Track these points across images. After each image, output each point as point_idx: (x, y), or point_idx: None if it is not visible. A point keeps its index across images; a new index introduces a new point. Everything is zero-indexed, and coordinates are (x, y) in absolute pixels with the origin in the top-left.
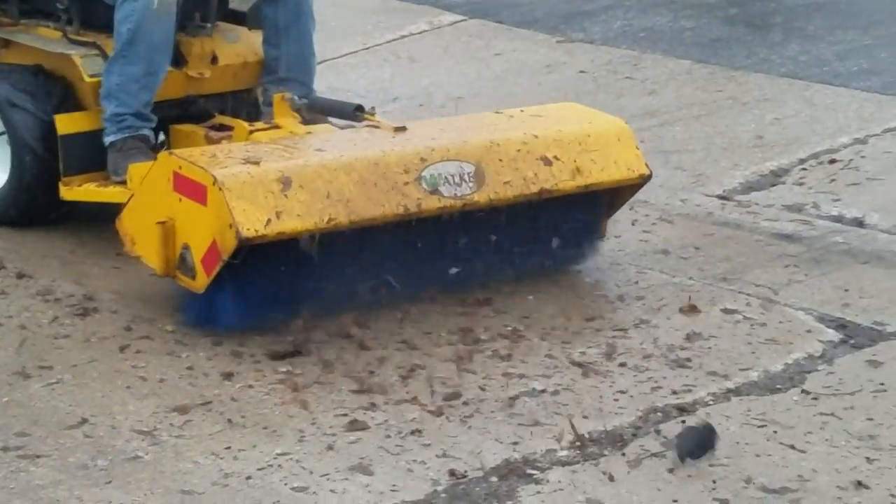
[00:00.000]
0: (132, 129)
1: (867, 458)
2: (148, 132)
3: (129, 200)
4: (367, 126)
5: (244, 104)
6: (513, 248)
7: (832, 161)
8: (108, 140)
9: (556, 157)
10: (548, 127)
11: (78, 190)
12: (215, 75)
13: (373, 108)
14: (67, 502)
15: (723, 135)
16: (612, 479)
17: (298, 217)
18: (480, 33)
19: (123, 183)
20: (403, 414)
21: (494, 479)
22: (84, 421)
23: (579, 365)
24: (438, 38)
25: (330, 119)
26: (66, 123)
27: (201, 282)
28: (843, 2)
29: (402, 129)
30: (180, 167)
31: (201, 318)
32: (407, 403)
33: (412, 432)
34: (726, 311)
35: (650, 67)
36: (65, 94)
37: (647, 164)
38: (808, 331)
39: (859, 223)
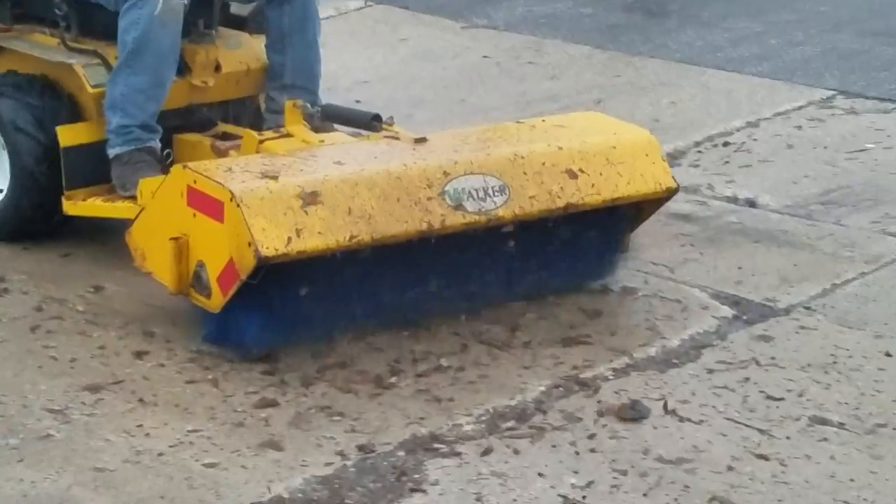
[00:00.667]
0: (139, 141)
1: (760, 430)
2: (155, 144)
3: (139, 214)
4: (386, 137)
5: (246, 111)
6: (534, 264)
7: (726, 144)
8: (112, 152)
9: (581, 171)
10: (572, 138)
11: (83, 205)
12: (219, 83)
13: (391, 117)
14: None
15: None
16: (516, 452)
17: (320, 235)
18: (386, 19)
19: (132, 198)
20: (313, 391)
21: (402, 453)
22: None
23: (485, 343)
24: (345, 24)
25: (336, 127)
26: (69, 135)
27: (217, 301)
28: None
29: (423, 140)
30: (195, 181)
31: (217, 335)
32: (317, 381)
33: (321, 409)
34: (625, 289)
35: (551, 53)
36: (68, 108)
37: (674, 178)
38: (704, 307)
39: (752, 204)
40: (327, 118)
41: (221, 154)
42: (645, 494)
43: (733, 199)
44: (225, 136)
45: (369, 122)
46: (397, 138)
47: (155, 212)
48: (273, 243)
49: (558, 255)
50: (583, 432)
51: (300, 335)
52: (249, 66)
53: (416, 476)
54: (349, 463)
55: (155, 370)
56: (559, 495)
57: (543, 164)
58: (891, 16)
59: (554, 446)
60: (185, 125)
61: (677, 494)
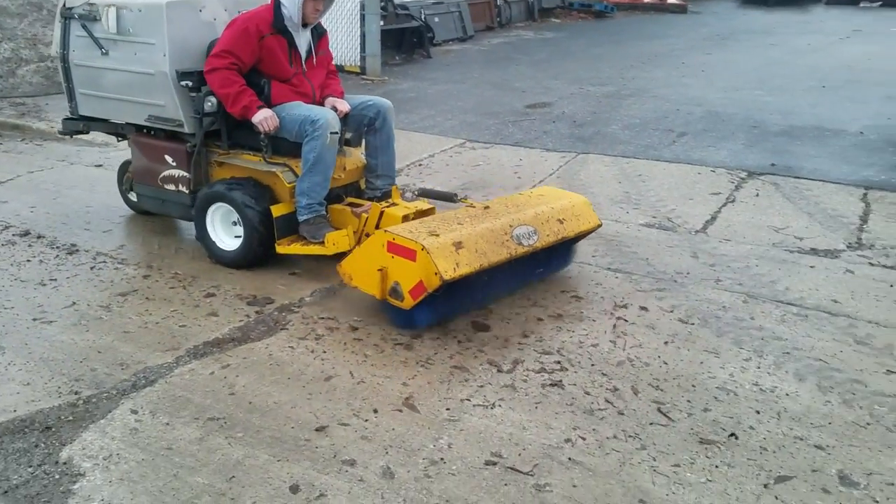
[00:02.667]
0: (317, 211)
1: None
2: (325, 212)
3: (349, 254)
4: (467, 206)
5: (352, 190)
6: (544, 265)
7: (419, 164)
8: (302, 218)
9: (562, 220)
10: (552, 202)
11: (289, 247)
12: (345, 176)
13: (466, 195)
14: None
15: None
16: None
17: (467, 265)
18: None
19: (321, 243)
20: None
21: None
22: None
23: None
24: None
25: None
26: (278, 210)
27: (408, 303)
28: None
29: (487, 207)
30: (393, 238)
31: (403, 321)
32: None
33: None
34: None
35: None
36: (270, 195)
37: (599, 219)
38: None
39: (425, 193)
40: (423, 195)
41: (358, 216)
42: None
43: (413, 189)
44: (352, 205)
45: (453, 198)
46: (473, 206)
47: (361, 254)
48: (448, 272)
49: (553, 259)
50: None
51: (444, 316)
52: (357, 165)
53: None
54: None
55: (369, 343)
56: None
57: (548, 218)
58: (493, 104)
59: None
60: (330, 200)
61: None
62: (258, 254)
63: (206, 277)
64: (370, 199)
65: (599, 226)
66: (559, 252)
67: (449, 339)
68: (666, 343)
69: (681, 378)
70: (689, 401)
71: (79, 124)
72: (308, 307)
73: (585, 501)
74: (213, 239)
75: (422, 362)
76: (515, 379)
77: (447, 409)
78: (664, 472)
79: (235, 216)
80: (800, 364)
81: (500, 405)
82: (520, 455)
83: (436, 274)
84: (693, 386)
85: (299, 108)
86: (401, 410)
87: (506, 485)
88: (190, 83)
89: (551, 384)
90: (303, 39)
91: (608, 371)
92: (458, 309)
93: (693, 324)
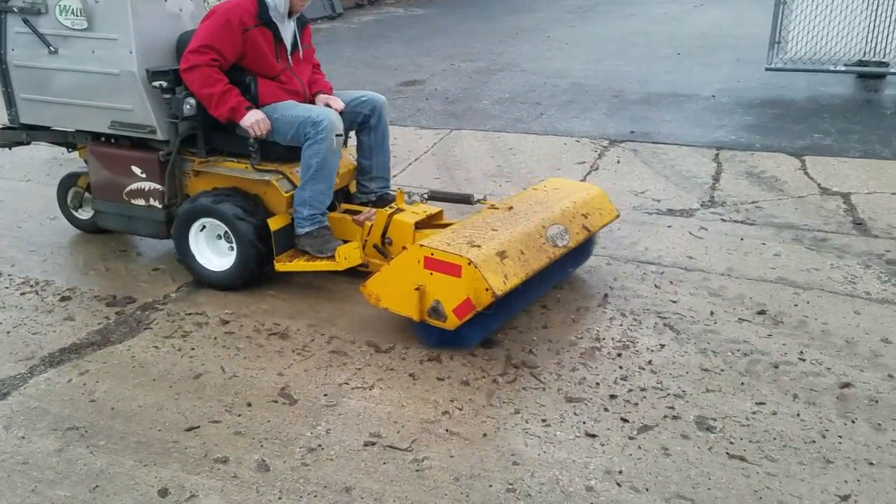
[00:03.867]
0: (321, 222)
1: None
2: (327, 222)
3: (376, 273)
4: (489, 208)
5: (341, 196)
6: (571, 263)
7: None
8: (303, 231)
9: (586, 214)
10: (573, 196)
11: (290, 264)
12: (338, 181)
13: (484, 196)
14: None
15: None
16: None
17: (515, 276)
18: None
19: (330, 258)
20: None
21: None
22: None
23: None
24: None
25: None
26: (275, 223)
27: (452, 323)
28: None
29: (510, 207)
30: (432, 253)
31: (444, 341)
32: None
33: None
34: None
35: None
36: (263, 207)
37: (617, 209)
38: None
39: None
40: (433, 199)
41: (360, 224)
42: None
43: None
44: (348, 212)
45: (469, 200)
46: (497, 208)
47: (392, 272)
48: (499, 286)
49: (579, 254)
50: None
51: (491, 331)
52: (349, 168)
53: None
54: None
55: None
56: None
57: (573, 214)
58: (366, 83)
59: None
60: None
61: None
62: (254, 273)
63: (60, 280)
64: (363, 203)
65: (618, 216)
66: (583, 246)
67: (326, 325)
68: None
69: (551, 342)
70: (558, 363)
71: (20, 134)
72: (174, 304)
73: (462, 470)
74: (199, 260)
75: (298, 350)
76: (394, 358)
77: (325, 395)
78: (536, 433)
79: (221, 230)
80: (659, 319)
81: (378, 385)
82: (398, 433)
83: (487, 290)
84: (563, 348)
85: (295, 109)
86: (276, 402)
87: (385, 463)
88: (164, 84)
89: (429, 359)
90: (288, 31)
91: (484, 342)
92: (503, 320)
93: (562, 288)
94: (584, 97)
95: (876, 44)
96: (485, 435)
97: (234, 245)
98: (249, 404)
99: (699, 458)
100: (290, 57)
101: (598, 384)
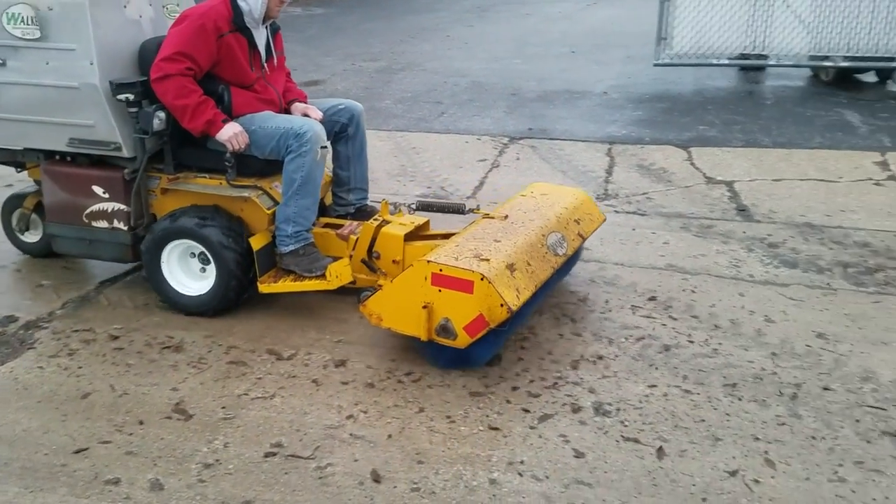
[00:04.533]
0: (306, 239)
1: None
2: (313, 239)
3: (378, 292)
4: (485, 218)
5: (319, 208)
6: (565, 270)
7: None
8: (288, 249)
9: (578, 220)
10: (562, 202)
11: (275, 285)
12: None
13: (478, 205)
14: None
15: None
16: None
17: (525, 289)
18: None
19: (321, 277)
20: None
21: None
22: None
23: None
24: None
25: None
26: (257, 242)
27: (463, 341)
28: None
29: (506, 216)
30: (440, 269)
31: (454, 361)
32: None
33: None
34: None
35: None
36: (245, 228)
37: (603, 213)
38: None
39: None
40: (423, 209)
41: (345, 239)
42: None
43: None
44: (327, 226)
45: (462, 209)
46: (492, 217)
47: (396, 290)
48: (513, 301)
49: (570, 260)
50: None
51: (499, 347)
52: (325, 179)
53: None
54: None
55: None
56: None
57: (567, 221)
58: None
59: None
60: None
61: None
62: (232, 302)
63: None
64: (341, 216)
65: (605, 220)
66: (576, 251)
67: (223, 335)
68: None
69: None
70: None
71: None
72: (59, 321)
73: (366, 473)
74: (172, 284)
75: (194, 363)
76: (297, 365)
77: (223, 408)
78: (440, 430)
79: (197, 249)
80: (556, 309)
81: (280, 394)
82: (301, 441)
83: (502, 306)
84: None
85: (274, 120)
86: (170, 418)
87: (286, 473)
88: (130, 97)
89: (334, 364)
90: (262, 38)
91: (384, 342)
92: (509, 334)
93: None
94: (483, 96)
95: (755, 37)
96: (389, 436)
97: (212, 268)
98: (141, 422)
99: (595, 442)
100: (264, 65)
101: (501, 377)
